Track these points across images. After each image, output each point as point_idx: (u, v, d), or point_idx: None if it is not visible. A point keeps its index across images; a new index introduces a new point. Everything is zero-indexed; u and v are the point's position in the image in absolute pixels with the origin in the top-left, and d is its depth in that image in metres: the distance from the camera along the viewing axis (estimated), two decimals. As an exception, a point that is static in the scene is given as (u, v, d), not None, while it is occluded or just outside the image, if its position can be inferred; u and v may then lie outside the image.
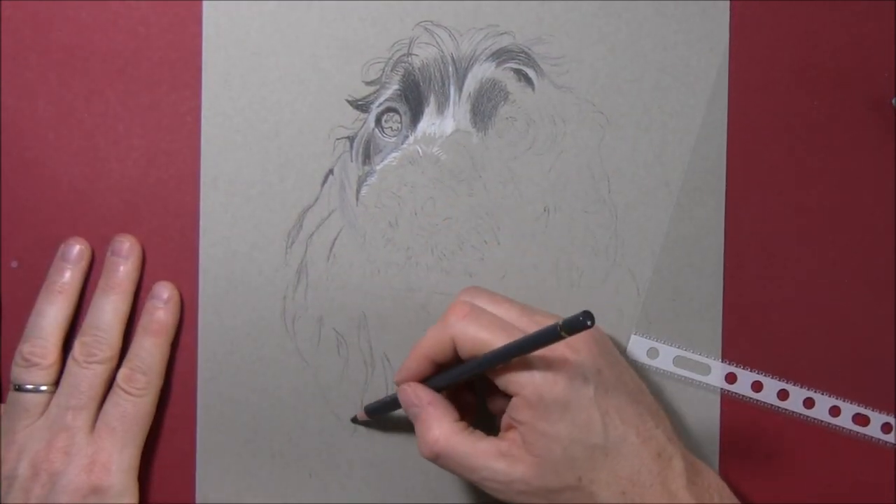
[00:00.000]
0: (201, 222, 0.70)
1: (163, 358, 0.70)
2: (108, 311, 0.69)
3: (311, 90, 0.70)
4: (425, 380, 0.66)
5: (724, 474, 0.73)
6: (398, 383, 0.67)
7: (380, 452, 0.72)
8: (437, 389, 0.66)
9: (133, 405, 0.68)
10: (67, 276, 0.69)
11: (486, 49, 0.70)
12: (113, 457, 0.67)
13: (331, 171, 0.71)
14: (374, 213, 0.71)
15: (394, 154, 0.71)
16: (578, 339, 0.63)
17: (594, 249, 0.72)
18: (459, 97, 0.70)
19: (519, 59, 0.70)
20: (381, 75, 0.70)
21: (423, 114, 0.70)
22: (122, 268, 0.70)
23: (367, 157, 0.71)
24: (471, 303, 0.65)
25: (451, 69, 0.70)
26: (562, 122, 0.71)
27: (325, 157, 0.70)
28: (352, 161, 0.71)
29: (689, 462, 0.65)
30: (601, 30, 0.71)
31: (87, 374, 0.68)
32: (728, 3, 0.71)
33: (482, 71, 0.70)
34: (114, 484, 0.67)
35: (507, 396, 0.64)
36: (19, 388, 0.68)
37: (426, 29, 0.70)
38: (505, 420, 0.64)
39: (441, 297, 0.71)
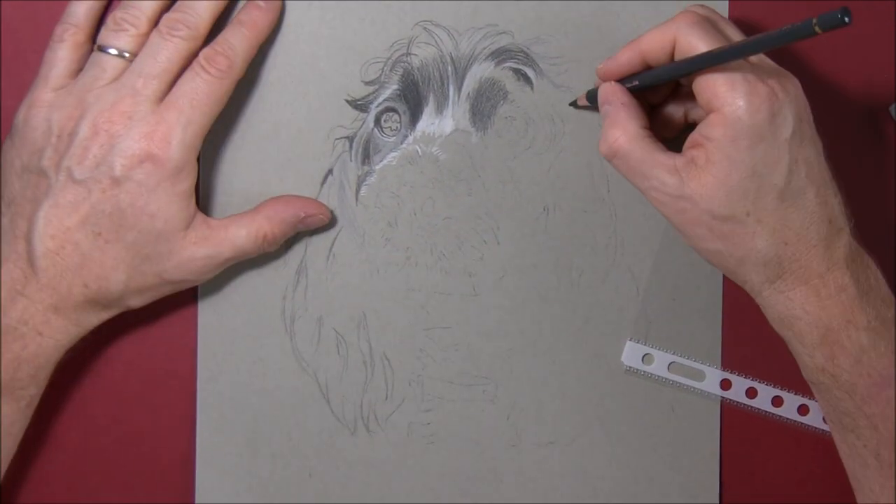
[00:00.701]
0: (201, 222, 0.70)
1: (249, 51, 0.67)
2: None
3: (310, 90, 0.70)
4: (628, 79, 0.66)
5: (725, 477, 0.73)
6: (601, 75, 0.66)
7: (379, 453, 0.72)
8: (636, 90, 0.65)
9: (207, 85, 0.65)
10: None
11: (485, 49, 0.70)
12: (175, 130, 0.64)
13: (330, 171, 0.71)
14: (374, 212, 0.71)
15: (393, 154, 0.71)
16: (790, 83, 0.63)
17: (593, 249, 0.72)
18: (458, 97, 0.70)
19: (518, 59, 0.70)
20: (381, 75, 0.70)
21: (422, 113, 0.70)
22: None
23: (366, 157, 0.71)
24: (702, 14, 0.64)
25: (450, 69, 0.70)
26: (561, 122, 0.71)
27: (324, 157, 0.70)
28: (351, 161, 0.71)
29: (854, 241, 0.65)
30: (600, 29, 0.71)
31: (167, 45, 0.65)
32: (726, 3, 0.71)
33: (481, 70, 0.70)
34: (172, 157, 0.64)
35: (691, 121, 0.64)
36: (102, 49, 0.66)
37: (425, 28, 0.70)
38: (692, 137, 0.63)
39: (441, 296, 0.71)
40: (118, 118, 0.64)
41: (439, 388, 0.72)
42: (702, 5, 0.66)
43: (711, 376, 0.72)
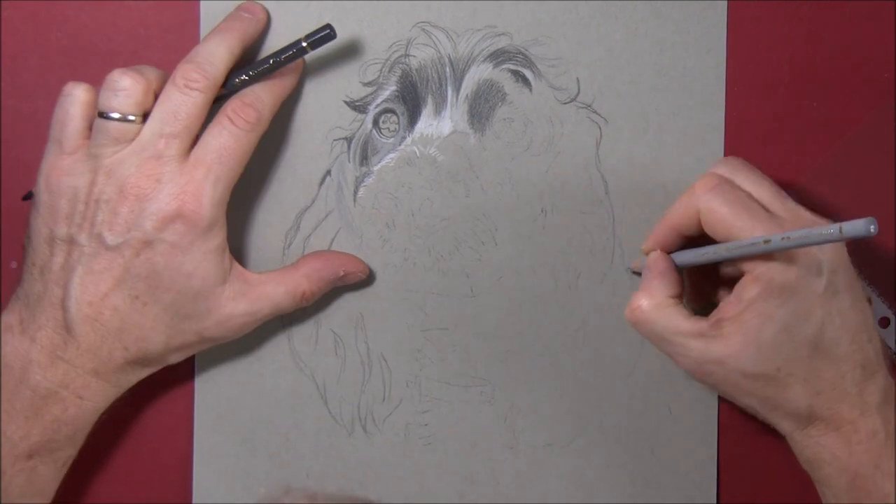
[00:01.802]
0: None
1: (275, 105, 0.66)
2: (220, 45, 0.65)
3: (309, 91, 0.70)
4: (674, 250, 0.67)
5: (723, 479, 0.73)
6: (645, 249, 0.67)
7: (377, 453, 0.72)
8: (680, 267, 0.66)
9: (235, 140, 0.64)
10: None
11: (483, 50, 0.70)
12: (204, 188, 0.64)
13: (328, 172, 0.71)
14: (372, 213, 0.71)
15: (391, 155, 0.71)
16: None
17: (591, 250, 0.72)
18: (457, 98, 0.70)
19: (516, 61, 0.70)
20: (379, 76, 0.70)
21: (420, 115, 0.70)
22: (246, 15, 0.67)
23: (364, 158, 0.71)
24: (721, 175, 0.64)
25: (448, 70, 0.70)
26: (559, 124, 0.71)
27: (322, 158, 0.70)
28: (349, 162, 0.71)
29: (889, 382, 0.64)
30: (598, 31, 0.71)
31: (186, 100, 0.64)
32: (725, 3, 0.71)
33: (479, 72, 0.70)
34: (204, 216, 0.64)
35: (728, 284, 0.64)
36: (104, 116, 0.64)
37: (423, 30, 0.70)
38: (724, 302, 0.63)
39: (438, 297, 0.71)
40: (145, 181, 0.63)
41: (437, 389, 0.72)
42: (724, 161, 0.66)
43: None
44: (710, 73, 0.71)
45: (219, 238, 0.65)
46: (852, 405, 0.63)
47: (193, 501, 0.72)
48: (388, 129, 0.71)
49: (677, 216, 0.65)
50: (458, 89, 0.70)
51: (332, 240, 0.71)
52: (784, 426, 0.65)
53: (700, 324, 0.63)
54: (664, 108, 0.71)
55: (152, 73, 0.65)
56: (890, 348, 0.72)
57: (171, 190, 0.63)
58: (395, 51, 0.70)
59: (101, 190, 0.64)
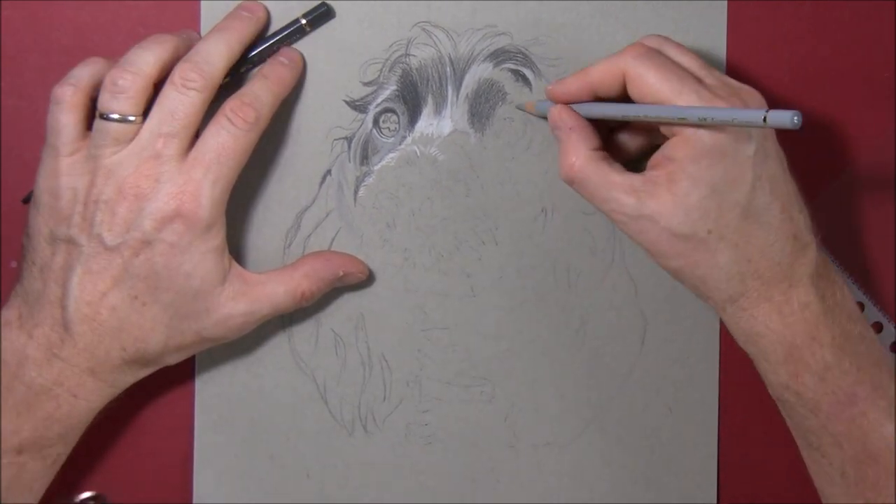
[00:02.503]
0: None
1: (274, 104, 0.66)
2: (220, 44, 0.65)
3: (309, 91, 0.70)
4: (580, 103, 0.66)
5: (723, 478, 0.73)
6: (549, 97, 0.66)
7: (377, 453, 0.72)
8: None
9: (234, 139, 0.64)
10: (170, 35, 0.66)
11: (483, 50, 0.70)
12: (203, 188, 0.63)
13: (328, 172, 0.71)
14: (372, 213, 0.71)
15: (391, 154, 0.71)
16: (753, 100, 0.63)
17: (591, 250, 0.72)
18: (457, 98, 0.70)
19: (516, 60, 0.70)
20: (379, 76, 0.70)
21: (420, 114, 0.70)
22: (245, 14, 0.67)
23: (364, 158, 0.71)
24: (649, 46, 0.64)
25: (448, 70, 0.70)
26: (559, 123, 0.71)
27: (322, 158, 0.70)
28: (349, 162, 0.71)
29: (821, 257, 0.64)
30: (599, 31, 0.71)
31: (183, 100, 0.63)
32: (725, 3, 0.71)
33: (480, 71, 0.70)
34: (202, 216, 0.63)
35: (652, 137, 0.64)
36: (104, 117, 0.64)
37: (424, 30, 0.70)
38: (654, 157, 0.63)
39: (439, 297, 0.71)
40: (144, 181, 0.63)
41: (437, 388, 0.72)
42: (654, 36, 0.66)
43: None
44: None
45: (218, 238, 0.65)
46: (783, 276, 0.63)
47: (194, 501, 0.72)
48: (389, 128, 0.71)
49: (599, 75, 0.64)
50: (458, 89, 0.70)
51: (333, 239, 0.71)
52: (715, 297, 0.64)
53: (632, 179, 0.63)
54: (664, 108, 0.71)
55: (153, 67, 0.64)
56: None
57: (170, 189, 0.63)
58: (396, 50, 0.70)
59: (100, 191, 0.64)
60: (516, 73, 0.70)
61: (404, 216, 0.71)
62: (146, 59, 0.64)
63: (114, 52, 0.69)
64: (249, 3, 0.68)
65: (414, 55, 0.70)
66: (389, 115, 0.70)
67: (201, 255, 0.64)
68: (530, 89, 0.71)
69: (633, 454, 0.73)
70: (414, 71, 0.70)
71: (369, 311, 0.71)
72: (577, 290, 0.72)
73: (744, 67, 0.72)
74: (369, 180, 0.71)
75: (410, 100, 0.70)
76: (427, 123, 0.70)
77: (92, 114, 0.65)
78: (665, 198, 0.62)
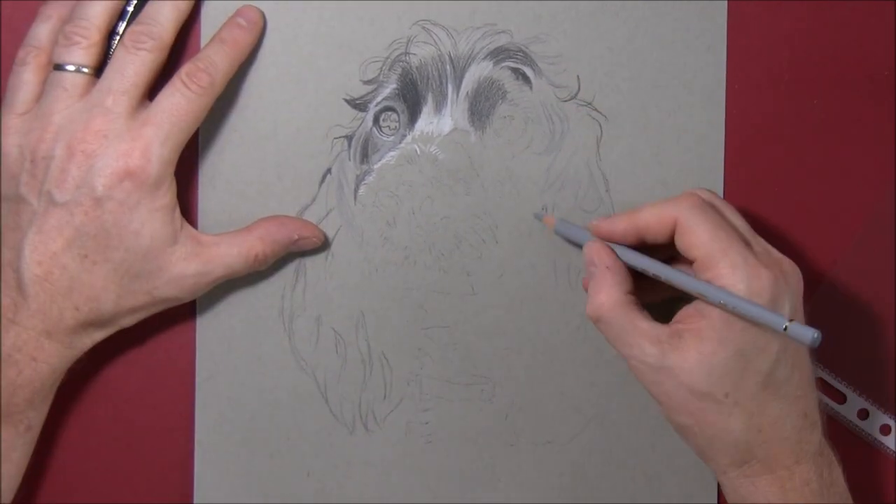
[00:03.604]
0: (199, 222, 0.70)
1: (230, 69, 0.67)
2: (167, 5, 0.66)
3: (309, 89, 0.70)
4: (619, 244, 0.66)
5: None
6: (595, 232, 0.66)
7: (378, 452, 0.72)
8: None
9: (187, 101, 0.65)
10: None
11: (483, 48, 0.70)
12: (153, 146, 0.64)
13: (329, 171, 0.71)
14: (372, 212, 0.71)
15: (391, 153, 0.71)
16: (792, 273, 0.63)
17: (592, 248, 0.72)
18: (457, 96, 0.70)
19: (516, 58, 0.70)
20: (379, 74, 0.70)
21: (420, 113, 0.70)
22: None
23: (364, 157, 0.71)
24: (702, 197, 0.64)
25: (448, 68, 0.70)
26: (559, 121, 0.71)
27: (322, 157, 0.70)
28: (349, 160, 0.71)
29: (823, 439, 0.65)
30: (599, 28, 0.71)
31: (133, 59, 0.64)
32: (725, 2, 0.71)
33: (480, 70, 0.70)
34: (151, 173, 0.64)
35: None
36: (59, 68, 0.65)
37: (424, 28, 0.70)
38: (686, 310, 0.63)
39: (439, 295, 0.71)
40: (93, 137, 0.64)
41: (437, 387, 0.72)
42: (706, 190, 0.66)
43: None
44: (711, 70, 0.71)
45: (167, 197, 0.65)
46: (790, 450, 0.63)
47: (195, 501, 0.72)
48: (389, 127, 0.71)
49: (650, 219, 0.64)
50: (458, 87, 0.70)
51: (333, 238, 0.71)
52: (719, 460, 0.64)
53: (659, 329, 0.63)
54: (665, 106, 0.71)
55: (102, 18, 0.65)
56: (875, 439, 0.73)
57: (120, 147, 0.64)
58: (396, 49, 0.70)
59: (49, 147, 0.64)
60: (516, 71, 0.70)
61: (404, 215, 0.71)
62: (96, 10, 0.65)
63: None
64: None
65: (414, 54, 0.70)
66: (389, 113, 0.71)
67: (149, 213, 0.65)
68: (530, 87, 0.71)
69: (633, 452, 0.73)
70: (414, 69, 0.70)
71: (370, 309, 0.71)
72: (578, 288, 0.72)
73: (743, 65, 0.72)
74: (369, 179, 0.71)
75: (410, 98, 0.70)
76: (427, 122, 0.70)
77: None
78: (689, 353, 0.62)
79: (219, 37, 0.67)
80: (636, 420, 0.73)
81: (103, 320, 0.66)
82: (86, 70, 0.65)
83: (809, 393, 0.64)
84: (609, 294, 0.64)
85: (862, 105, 0.73)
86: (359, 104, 0.70)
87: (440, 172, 0.71)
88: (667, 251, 0.66)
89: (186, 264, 0.66)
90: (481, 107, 0.71)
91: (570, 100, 0.71)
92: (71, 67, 0.65)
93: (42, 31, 0.66)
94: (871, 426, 0.73)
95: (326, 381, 0.72)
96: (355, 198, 0.71)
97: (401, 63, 0.70)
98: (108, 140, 0.64)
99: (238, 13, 0.68)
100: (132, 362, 0.72)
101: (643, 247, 0.66)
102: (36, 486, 0.71)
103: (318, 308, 0.71)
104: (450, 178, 0.71)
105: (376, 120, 0.70)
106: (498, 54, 0.70)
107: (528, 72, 0.71)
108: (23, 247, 0.64)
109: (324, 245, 0.71)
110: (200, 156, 0.70)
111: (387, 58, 0.70)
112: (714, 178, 0.72)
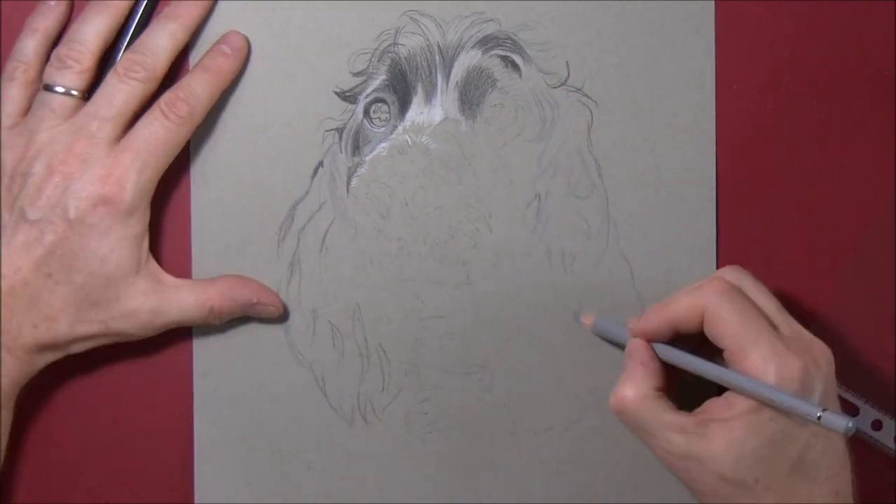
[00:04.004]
0: (192, 219, 0.70)
1: (211, 98, 0.67)
2: (164, 35, 0.67)
3: (299, 83, 0.70)
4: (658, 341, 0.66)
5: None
6: (633, 333, 0.66)
7: (378, 444, 0.72)
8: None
9: (166, 131, 0.66)
10: (109, 2, 0.67)
11: (472, 37, 0.70)
12: (130, 174, 0.65)
13: (320, 164, 0.71)
14: (365, 203, 0.71)
15: (383, 144, 0.71)
16: (823, 357, 0.63)
17: (586, 234, 0.72)
18: (447, 86, 0.70)
19: (505, 46, 0.70)
20: (368, 66, 0.70)
21: (411, 103, 0.70)
22: (191, 1, 0.68)
23: (356, 149, 0.71)
24: (730, 282, 0.64)
25: (437, 58, 0.70)
26: (550, 108, 0.71)
27: (314, 150, 0.71)
28: (341, 153, 0.71)
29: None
30: (587, 14, 0.71)
31: (124, 88, 0.65)
32: (712, 3, 0.71)
33: (469, 59, 0.70)
34: (125, 200, 0.65)
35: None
36: (48, 88, 0.66)
37: (412, 18, 0.70)
38: (715, 401, 0.63)
39: (434, 285, 0.71)
40: (73, 160, 0.65)
41: (435, 377, 0.72)
42: (733, 268, 0.66)
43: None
44: (700, 53, 0.71)
45: (138, 227, 0.66)
46: None
47: (196, 501, 0.72)
48: (379, 118, 0.71)
49: (680, 310, 0.65)
50: (447, 77, 0.70)
51: (326, 231, 0.71)
52: None
53: (685, 419, 0.63)
54: (655, 90, 0.71)
55: (96, 43, 0.66)
56: (891, 449, 0.73)
57: (97, 172, 0.65)
58: (384, 40, 0.70)
59: (28, 164, 0.65)
60: (505, 59, 0.70)
61: (398, 206, 0.71)
62: (90, 33, 0.66)
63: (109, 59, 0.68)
64: None
65: (402, 44, 0.70)
66: (380, 104, 0.71)
67: (118, 241, 0.65)
68: (520, 75, 0.71)
69: (632, 437, 0.72)
70: (403, 60, 0.70)
71: (365, 301, 0.71)
72: (573, 274, 0.72)
73: (743, 68, 0.72)
74: (361, 171, 0.71)
75: (400, 89, 0.70)
76: (417, 112, 0.70)
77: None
78: (718, 441, 0.62)
79: (202, 65, 0.68)
80: (636, 406, 0.73)
81: (57, 343, 0.66)
82: (75, 93, 0.66)
83: (842, 472, 0.64)
84: (637, 387, 0.64)
85: (862, 105, 0.73)
86: (349, 96, 0.70)
87: (432, 162, 0.71)
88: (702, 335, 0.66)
89: (144, 299, 0.67)
90: (471, 96, 0.71)
91: (559, 86, 0.71)
92: (60, 90, 0.66)
93: (28, 46, 0.67)
94: (886, 437, 0.73)
95: (324, 375, 0.72)
96: (348, 190, 0.71)
97: (390, 54, 0.70)
98: (87, 164, 0.65)
99: (223, 40, 0.69)
100: (129, 362, 0.72)
101: (679, 336, 0.66)
102: (36, 486, 0.71)
103: (313, 302, 0.71)
104: (442, 168, 0.71)
105: (367, 112, 0.70)
106: (486, 43, 0.70)
107: (518, 59, 0.71)
108: None
109: (316, 242, 0.71)
110: (192, 152, 0.70)
111: (375, 49, 0.70)
112: (705, 160, 0.71)
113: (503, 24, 0.70)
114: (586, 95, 0.71)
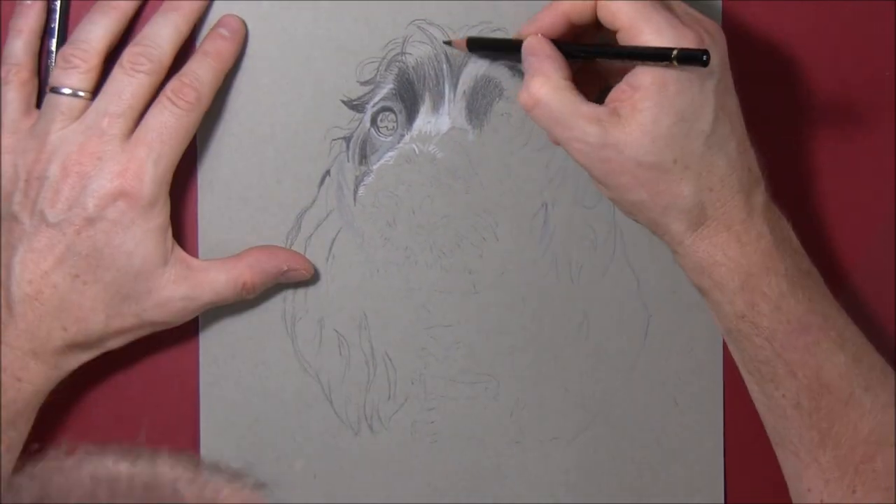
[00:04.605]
0: (200, 226, 0.70)
1: (216, 82, 0.67)
2: (167, 26, 0.66)
3: (306, 92, 0.70)
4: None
5: (730, 471, 0.73)
6: (526, 32, 0.66)
7: (384, 452, 0.72)
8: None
9: (176, 118, 0.65)
10: (114, 2, 0.67)
11: (479, 46, 0.70)
12: (146, 166, 0.64)
13: (328, 172, 0.71)
14: (372, 212, 0.71)
15: (390, 153, 0.71)
16: (716, 31, 0.63)
17: (593, 244, 0.72)
18: (454, 95, 0.70)
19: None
20: (376, 75, 0.70)
21: (418, 112, 0.71)
22: None
23: (363, 157, 0.71)
24: None
25: (445, 67, 0.70)
26: (557, 117, 0.71)
27: (321, 158, 0.71)
28: (348, 161, 0.71)
29: (767, 193, 0.66)
30: (594, 23, 0.71)
31: (131, 81, 0.65)
32: (720, 3, 0.71)
33: (476, 68, 0.70)
34: (145, 193, 0.64)
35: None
36: (55, 90, 0.65)
37: (419, 27, 0.70)
38: (618, 87, 0.63)
39: (441, 294, 0.71)
40: (87, 159, 0.64)
41: (442, 386, 0.72)
42: None
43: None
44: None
45: (160, 217, 0.66)
46: (741, 205, 0.64)
47: (201, 506, 0.72)
48: (387, 127, 0.71)
49: (570, 2, 0.64)
50: (455, 86, 0.70)
51: (333, 240, 0.71)
52: (675, 228, 0.64)
53: (599, 109, 0.62)
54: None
55: (102, 42, 0.66)
56: None
57: (113, 168, 0.64)
58: (392, 49, 0.70)
59: (43, 168, 0.64)
60: (512, 68, 0.71)
61: (404, 214, 0.71)
62: (96, 33, 0.66)
63: (112, 53, 0.68)
64: None
65: (410, 53, 0.70)
66: (387, 113, 0.71)
67: (143, 234, 0.65)
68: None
69: (639, 447, 0.73)
70: (410, 69, 0.70)
71: (372, 310, 0.71)
72: (580, 284, 0.72)
73: (742, 69, 0.72)
74: (369, 179, 0.71)
75: (408, 98, 0.70)
76: (425, 121, 0.71)
77: (40, 90, 0.67)
78: (631, 127, 0.62)
79: (202, 49, 0.68)
80: (641, 415, 0.73)
81: (90, 342, 0.66)
82: (82, 94, 0.66)
83: (749, 149, 0.65)
84: (548, 77, 0.63)
85: (863, 106, 0.73)
86: (356, 105, 0.70)
87: (439, 171, 0.71)
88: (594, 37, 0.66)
89: (175, 287, 0.66)
90: (478, 105, 0.71)
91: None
92: (67, 91, 0.65)
93: (16, 47, 0.67)
94: None
95: (330, 383, 0.72)
96: (355, 199, 0.71)
97: (397, 63, 0.70)
98: (102, 162, 0.64)
99: (220, 23, 0.68)
100: (136, 369, 0.72)
101: (574, 33, 0.66)
102: (42, 494, 0.71)
103: (320, 310, 0.71)
104: (449, 177, 0.71)
105: (374, 120, 0.71)
106: (494, 52, 0.70)
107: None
108: (13, 265, 0.64)
109: (323, 251, 0.71)
110: (199, 161, 0.70)
111: (383, 58, 0.70)
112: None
113: (510, 33, 0.70)
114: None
